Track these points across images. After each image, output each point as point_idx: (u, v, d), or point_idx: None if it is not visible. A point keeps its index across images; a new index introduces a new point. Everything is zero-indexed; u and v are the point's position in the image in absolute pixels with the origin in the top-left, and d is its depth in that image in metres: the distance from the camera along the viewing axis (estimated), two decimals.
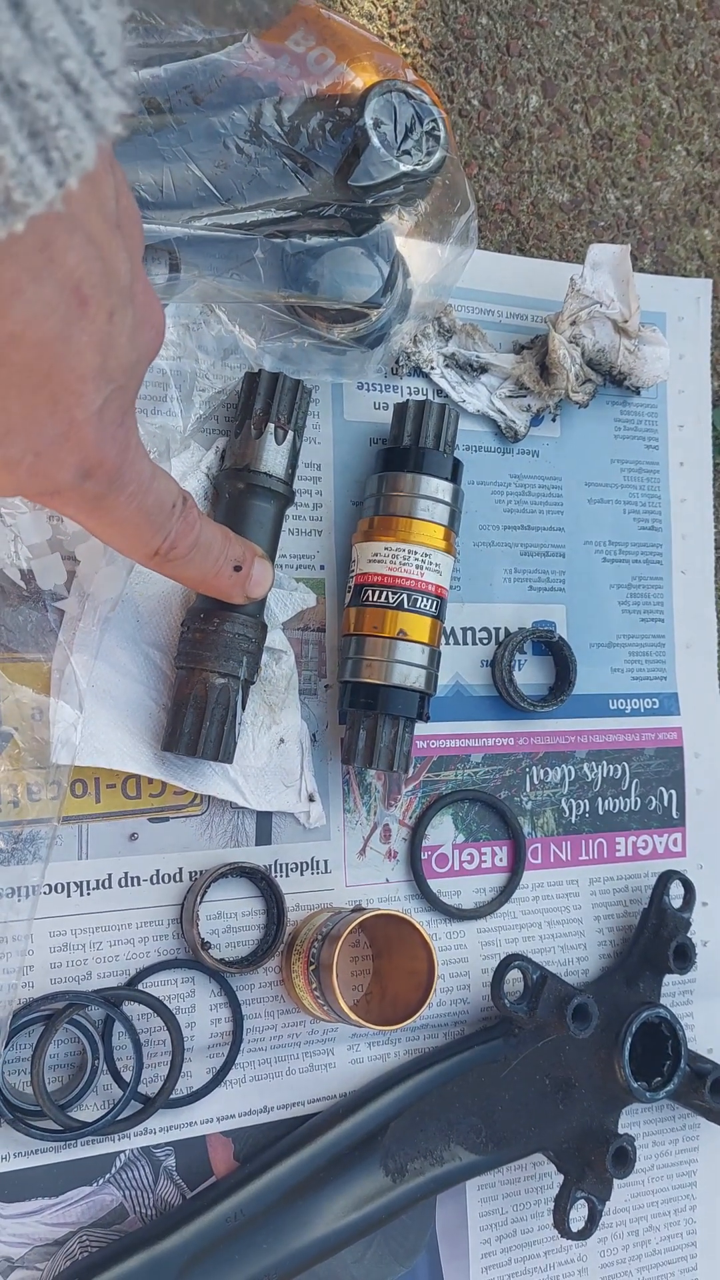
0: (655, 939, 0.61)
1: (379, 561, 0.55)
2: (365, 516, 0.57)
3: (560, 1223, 0.55)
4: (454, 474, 0.56)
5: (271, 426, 0.53)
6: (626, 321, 0.61)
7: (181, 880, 0.54)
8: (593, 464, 0.66)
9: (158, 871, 0.53)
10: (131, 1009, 0.52)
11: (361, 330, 0.55)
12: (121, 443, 0.34)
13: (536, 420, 0.64)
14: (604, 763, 0.65)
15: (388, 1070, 0.57)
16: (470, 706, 0.62)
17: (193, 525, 0.43)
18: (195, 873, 0.54)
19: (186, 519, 0.42)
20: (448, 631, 0.61)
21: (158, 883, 0.53)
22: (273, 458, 0.53)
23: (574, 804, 0.64)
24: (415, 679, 0.54)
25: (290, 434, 0.53)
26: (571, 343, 0.62)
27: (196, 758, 0.51)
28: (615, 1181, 0.56)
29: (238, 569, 0.48)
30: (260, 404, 0.53)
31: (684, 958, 0.60)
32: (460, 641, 0.62)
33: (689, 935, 0.61)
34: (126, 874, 0.53)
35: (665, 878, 0.62)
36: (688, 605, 0.68)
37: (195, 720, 0.51)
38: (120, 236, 0.31)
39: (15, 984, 0.49)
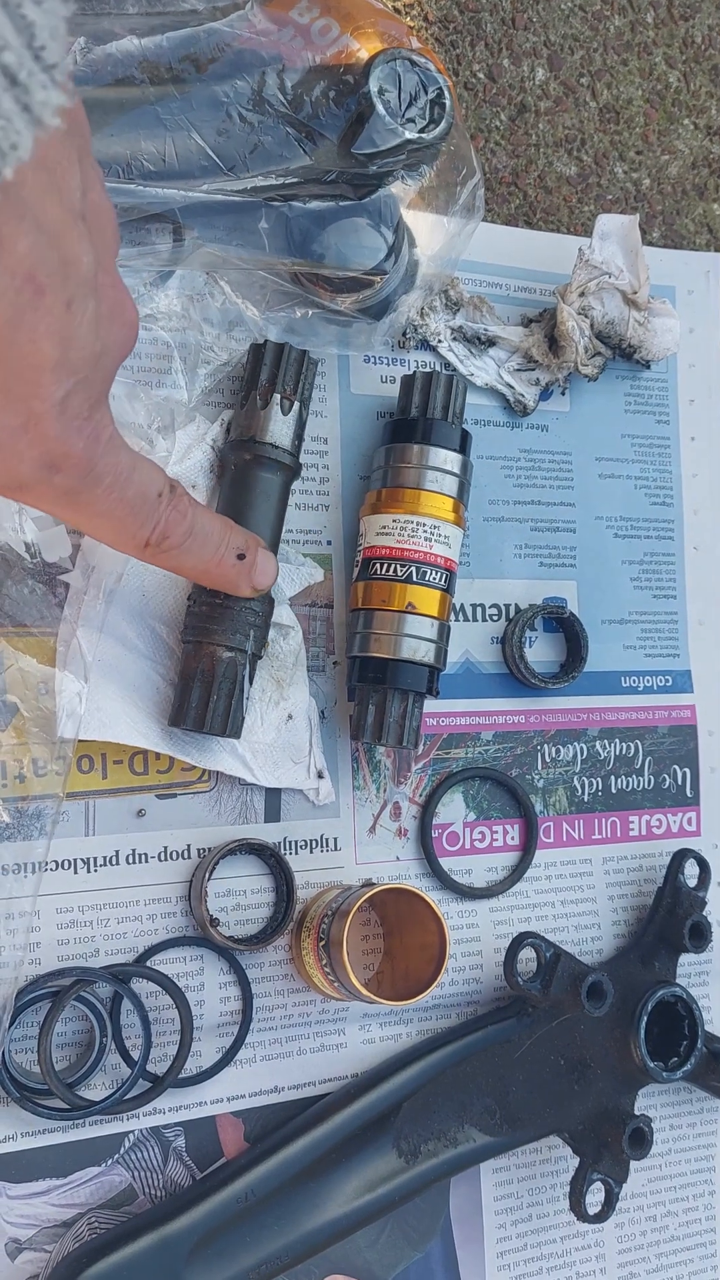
0: (670, 918, 0.60)
1: (387, 534, 0.54)
2: (373, 489, 0.56)
3: (576, 1205, 0.54)
4: (462, 445, 0.55)
5: (277, 397, 0.52)
6: (636, 293, 0.61)
7: (190, 857, 0.53)
8: (603, 439, 0.65)
9: (166, 848, 0.53)
10: (140, 987, 0.51)
11: (367, 299, 0.54)
12: (90, 435, 0.33)
13: (545, 394, 0.63)
14: (616, 741, 0.64)
15: (400, 1050, 0.56)
16: (481, 683, 0.61)
17: (184, 513, 0.41)
18: (203, 849, 0.53)
19: (177, 507, 0.40)
20: (457, 608, 0.60)
21: (166, 859, 0.53)
22: (279, 429, 0.52)
23: (586, 782, 0.63)
24: (424, 653, 0.54)
25: (296, 404, 0.53)
26: (580, 314, 0.61)
27: (204, 732, 0.50)
28: (632, 1165, 0.55)
29: (241, 557, 0.46)
30: (266, 374, 0.52)
31: (700, 936, 0.59)
32: (470, 618, 0.61)
33: (704, 914, 0.60)
34: (134, 850, 0.52)
35: (680, 856, 0.61)
36: (700, 581, 0.67)
37: (202, 694, 0.50)
38: (84, 229, 0.30)
39: (21, 960, 0.49)
